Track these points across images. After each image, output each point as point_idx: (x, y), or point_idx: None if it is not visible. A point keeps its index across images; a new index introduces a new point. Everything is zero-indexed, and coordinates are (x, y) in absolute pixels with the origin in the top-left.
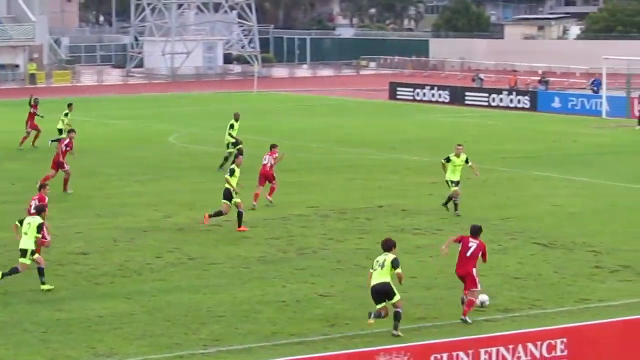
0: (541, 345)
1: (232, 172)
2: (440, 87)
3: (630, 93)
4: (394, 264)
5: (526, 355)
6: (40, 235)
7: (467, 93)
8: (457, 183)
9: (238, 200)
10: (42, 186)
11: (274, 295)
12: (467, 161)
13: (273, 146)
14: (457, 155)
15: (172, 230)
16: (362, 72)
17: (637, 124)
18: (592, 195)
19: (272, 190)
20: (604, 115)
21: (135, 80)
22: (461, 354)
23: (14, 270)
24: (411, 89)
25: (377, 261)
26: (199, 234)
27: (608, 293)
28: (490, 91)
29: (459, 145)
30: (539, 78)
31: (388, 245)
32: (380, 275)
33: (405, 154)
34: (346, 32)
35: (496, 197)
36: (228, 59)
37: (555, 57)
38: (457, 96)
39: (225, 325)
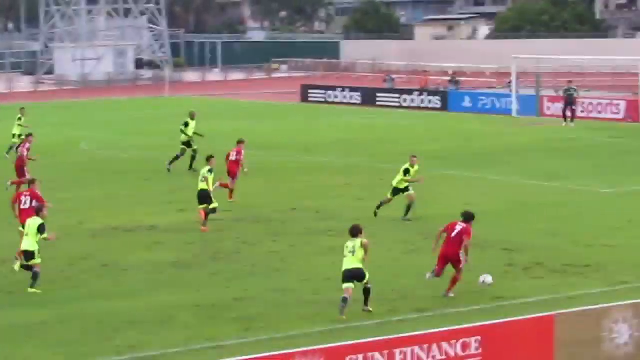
0: (456, 344)
1: (210, 172)
2: (352, 89)
3: (540, 92)
4: (362, 245)
5: (441, 355)
6: (45, 236)
7: (378, 94)
8: (407, 188)
9: (216, 204)
10: (31, 181)
11: (189, 300)
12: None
13: (239, 142)
14: (412, 166)
15: (86, 237)
16: (274, 75)
17: (564, 121)
18: (504, 193)
19: (225, 185)
20: (514, 114)
21: (46, 87)
22: (376, 354)
23: (35, 276)
24: (323, 91)
25: (347, 247)
26: (113, 240)
27: (521, 290)
28: (402, 92)
29: (414, 156)
30: (449, 78)
31: (356, 231)
32: (352, 261)
33: (318, 156)
34: (257, 35)
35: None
36: (139, 64)
37: (465, 57)
38: (369, 97)
39: (140, 331)
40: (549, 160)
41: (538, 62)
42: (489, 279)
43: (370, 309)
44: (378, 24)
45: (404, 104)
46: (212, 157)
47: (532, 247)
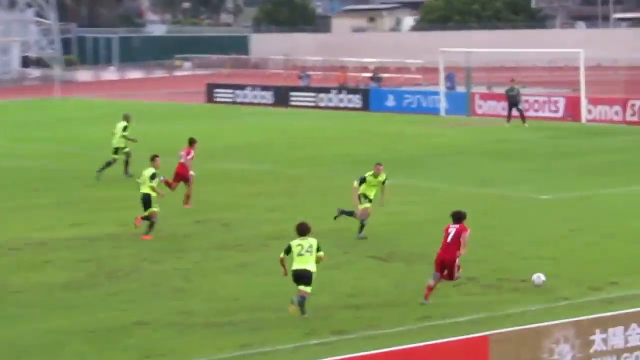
0: None
1: (154, 176)
2: (263, 88)
3: (470, 88)
4: (319, 247)
5: None
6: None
7: (292, 93)
8: (370, 200)
9: (156, 209)
10: None
11: (82, 324)
12: (384, 182)
13: (192, 141)
14: (375, 176)
15: None
16: (177, 73)
17: (507, 121)
18: (431, 201)
19: (169, 184)
20: (442, 114)
21: None
22: None
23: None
24: (231, 91)
25: (302, 245)
26: None
27: (452, 309)
28: (318, 90)
29: (379, 164)
30: (370, 74)
31: (305, 229)
32: (306, 260)
33: (226, 162)
34: (157, 29)
35: (325, 207)
36: (26, 62)
37: (388, 51)
38: (282, 97)
39: None
40: (481, 164)
41: (468, 56)
42: (542, 277)
43: (306, 315)
44: (291, 16)
45: (321, 104)
46: (157, 156)
47: (464, 260)
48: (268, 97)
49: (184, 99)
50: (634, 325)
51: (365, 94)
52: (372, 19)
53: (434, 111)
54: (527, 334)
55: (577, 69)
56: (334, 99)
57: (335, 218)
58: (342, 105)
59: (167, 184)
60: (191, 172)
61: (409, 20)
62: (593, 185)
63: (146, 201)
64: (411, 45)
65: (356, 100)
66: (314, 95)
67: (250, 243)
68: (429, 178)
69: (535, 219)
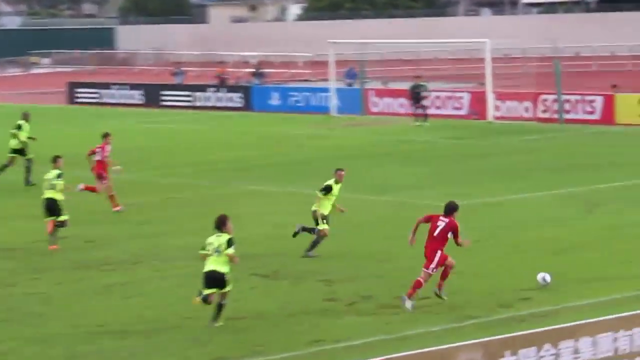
0: None
1: (60, 177)
2: (132, 86)
3: (364, 84)
4: (230, 244)
5: None
6: None
7: (165, 92)
8: (328, 220)
9: (66, 217)
10: None
11: None
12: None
13: (105, 135)
14: (338, 182)
15: None
16: (33, 70)
17: (423, 120)
18: None
19: (91, 189)
20: (333, 113)
21: None
22: None
23: None
24: (95, 90)
25: (212, 244)
26: None
27: (346, 331)
28: (194, 88)
29: (341, 169)
30: (252, 70)
31: (220, 222)
32: (216, 263)
33: (88, 171)
34: (11, 21)
35: (203, 219)
36: None
37: (272, 44)
38: (153, 96)
39: None
40: (377, 168)
41: (362, 49)
42: (548, 277)
43: (221, 323)
44: (162, 5)
45: (197, 104)
46: (59, 157)
47: (358, 277)
48: (137, 96)
49: (41, 100)
50: (547, 346)
51: (246, 91)
52: (253, 8)
53: (324, 110)
54: (430, 357)
55: (482, 60)
56: (212, 97)
57: (294, 235)
58: (221, 104)
59: (90, 189)
60: (117, 167)
61: (295, 9)
62: (501, 191)
63: (52, 206)
64: (298, 36)
65: (237, 99)
66: (189, 94)
67: (117, 261)
68: (319, 186)
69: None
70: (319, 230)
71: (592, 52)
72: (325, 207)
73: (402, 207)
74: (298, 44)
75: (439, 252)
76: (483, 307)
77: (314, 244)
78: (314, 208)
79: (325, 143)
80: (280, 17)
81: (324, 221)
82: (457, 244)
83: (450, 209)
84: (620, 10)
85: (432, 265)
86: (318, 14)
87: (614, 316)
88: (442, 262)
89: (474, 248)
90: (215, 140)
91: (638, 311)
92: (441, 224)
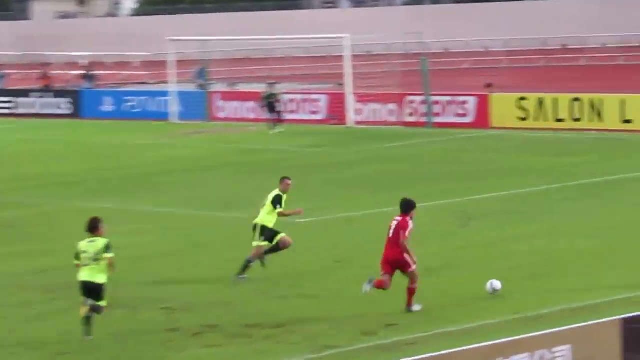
0: None
1: None
2: None
3: (209, 87)
4: (107, 249)
5: None
6: None
7: None
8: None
9: None
10: None
11: None
12: None
13: None
14: (284, 192)
15: None
16: None
17: (273, 127)
18: (162, 230)
19: None
20: (174, 119)
21: None
22: None
23: None
24: None
25: (86, 252)
26: None
27: None
28: (15, 93)
29: (287, 178)
30: (82, 72)
31: (92, 226)
32: (92, 273)
33: None
34: None
35: (27, 242)
36: None
37: (104, 42)
38: None
39: None
40: (225, 181)
41: (205, 47)
42: (496, 284)
43: (92, 337)
44: None
45: (19, 111)
46: None
47: (203, 304)
48: None
49: None
50: None
51: (75, 96)
52: (82, 2)
53: (164, 116)
54: None
55: (341, 58)
56: (36, 104)
57: (262, 265)
58: (46, 111)
59: None
60: None
61: (129, 3)
62: (363, 204)
63: None
64: (133, 33)
65: (64, 104)
66: (9, 100)
67: None
68: (159, 201)
69: (293, 248)
70: (280, 242)
71: (463, 48)
72: (268, 221)
73: (251, 224)
74: (133, 42)
75: (404, 253)
76: (344, 336)
77: (270, 251)
78: (255, 222)
79: (164, 154)
80: (113, 12)
81: (262, 238)
82: (400, 239)
83: (406, 207)
84: (493, 0)
85: (413, 266)
86: (155, 8)
87: (488, 343)
88: (413, 256)
89: (334, 269)
90: (39, 152)
91: (515, 337)
92: (394, 223)
